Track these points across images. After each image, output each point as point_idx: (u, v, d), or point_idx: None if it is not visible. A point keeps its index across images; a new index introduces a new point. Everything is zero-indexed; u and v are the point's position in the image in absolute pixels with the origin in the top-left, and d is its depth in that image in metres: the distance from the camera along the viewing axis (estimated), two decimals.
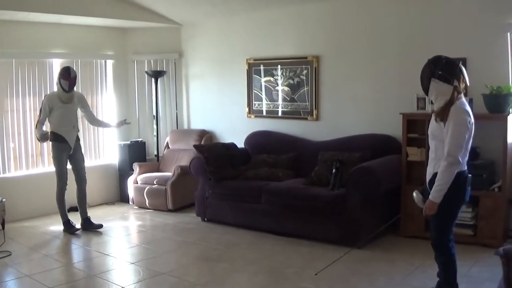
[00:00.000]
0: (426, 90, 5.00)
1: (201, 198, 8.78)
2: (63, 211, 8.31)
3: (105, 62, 10.50)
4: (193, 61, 10.59)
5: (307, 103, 8.98)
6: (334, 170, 7.55)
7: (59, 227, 8.46)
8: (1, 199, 7.81)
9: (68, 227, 8.28)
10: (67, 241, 7.90)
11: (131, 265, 6.78)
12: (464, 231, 6.95)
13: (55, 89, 8.30)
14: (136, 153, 10.50)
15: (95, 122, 8.82)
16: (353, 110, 8.54)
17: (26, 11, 8.16)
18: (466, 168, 4.95)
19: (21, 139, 9.20)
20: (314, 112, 8.90)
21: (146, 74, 10.60)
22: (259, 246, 7.42)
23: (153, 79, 10.45)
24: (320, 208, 7.30)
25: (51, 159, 8.42)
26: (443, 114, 4.82)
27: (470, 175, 4.99)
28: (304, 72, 8.96)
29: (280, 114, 9.39)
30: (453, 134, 4.71)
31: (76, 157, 8.37)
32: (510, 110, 6.80)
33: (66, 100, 8.11)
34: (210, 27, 10.26)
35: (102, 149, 10.48)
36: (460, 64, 4.92)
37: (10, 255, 7.07)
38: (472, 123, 4.84)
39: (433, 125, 4.99)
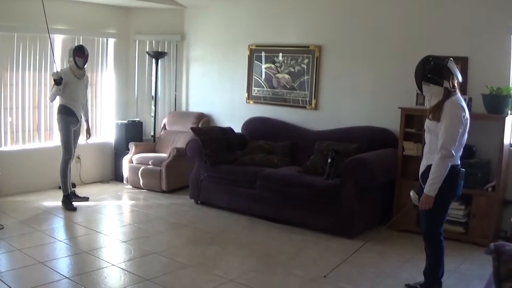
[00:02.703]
0: (421, 90, 5.14)
1: (195, 180, 8.79)
2: (65, 184, 8.37)
3: (107, 40, 10.45)
4: (195, 44, 10.57)
5: (307, 92, 8.98)
6: (329, 160, 7.57)
7: (52, 202, 8.51)
8: None
9: (67, 203, 8.31)
10: (59, 217, 7.89)
11: (123, 243, 6.80)
12: (455, 228, 6.99)
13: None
14: (133, 132, 10.49)
15: (84, 106, 8.75)
16: (352, 101, 8.55)
17: None
18: (459, 162, 5.02)
19: (19, 113, 9.14)
20: (313, 101, 8.91)
21: (147, 55, 10.59)
22: (252, 231, 7.46)
23: (153, 60, 10.45)
24: (314, 196, 7.33)
25: (58, 131, 8.48)
26: (435, 112, 4.93)
27: (463, 169, 5.04)
28: (305, 61, 8.96)
29: (278, 101, 9.39)
30: (447, 128, 4.79)
31: (75, 133, 8.43)
32: (509, 111, 6.83)
33: (79, 76, 8.33)
34: (214, 11, 10.22)
35: (99, 127, 10.46)
36: (448, 63, 4.96)
37: (2, 228, 7.06)
38: (467, 118, 4.92)
39: (428, 120, 5.05)
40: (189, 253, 6.49)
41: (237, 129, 9.41)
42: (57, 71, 8.09)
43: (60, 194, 8.46)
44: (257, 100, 9.67)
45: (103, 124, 10.62)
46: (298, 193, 7.49)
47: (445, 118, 4.81)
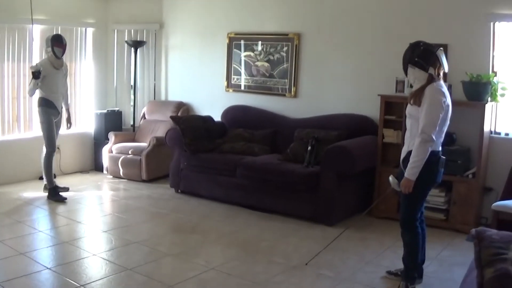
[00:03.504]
0: (405, 73, 5.13)
1: (175, 169, 8.78)
2: (50, 177, 8.27)
3: (85, 30, 10.37)
4: (174, 32, 10.51)
5: (286, 80, 8.98)
6: (309, 148, 7.59)
7: (32, 193, 8.46)
8: None
9: (55, 195, 8.24)
10: (40, 207, 7.84)
11: (104, 233, 6.78)
12: (436, 215, 7.05)
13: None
14: (112, 122, 10.44)
15: (64, 95, 8.63)
16: (332, 89, 8.56)
17: None
18: (440, 149, 5.03)
19: None
20: (293, 89, 8.91)
21: (126, 44, 10.54)
22: (233, 219, 7.47)
23: (132, 49, 10.39)
24: (294, 184, 7.35)
25: (39, 124, 8.30)
26: (416, 97, 4.95)
27: (443, 157, 5.06)
28: (285, 48, 8.95)
29: (258, 89, 9.38)
30: (427, 113, 4.80)
31: (57, 124, 8.36)
32: (488, 98, 6.87)
33: (57, 66, 8.20)
34: None
35: (78, 117, 10.39)
36: (438, 51, 4.99)
37: None
38: (448, 105, 4.93)
39: (410, 105, 5.07)
40: (170, 242, 6.49)
41: (217, 117, 9.39)
42: (36, 64, 8.02)
43: (40, 185, 8.45)
44: (237, 88, 9.64)
45: (83, 114, 10.54)
46: (279, 181, 7.50)
47: (426, 103, 4.83)
